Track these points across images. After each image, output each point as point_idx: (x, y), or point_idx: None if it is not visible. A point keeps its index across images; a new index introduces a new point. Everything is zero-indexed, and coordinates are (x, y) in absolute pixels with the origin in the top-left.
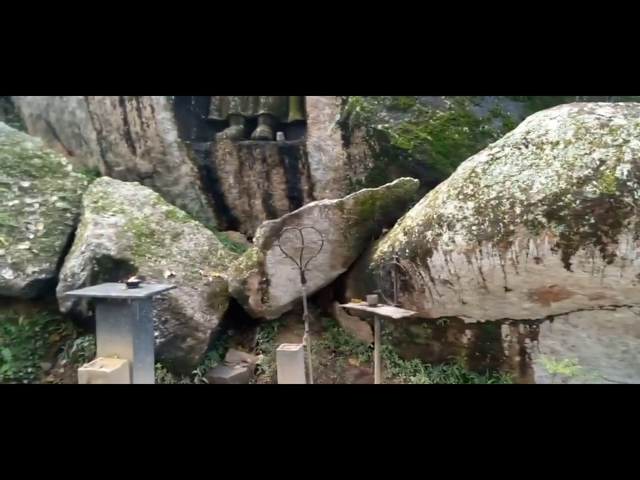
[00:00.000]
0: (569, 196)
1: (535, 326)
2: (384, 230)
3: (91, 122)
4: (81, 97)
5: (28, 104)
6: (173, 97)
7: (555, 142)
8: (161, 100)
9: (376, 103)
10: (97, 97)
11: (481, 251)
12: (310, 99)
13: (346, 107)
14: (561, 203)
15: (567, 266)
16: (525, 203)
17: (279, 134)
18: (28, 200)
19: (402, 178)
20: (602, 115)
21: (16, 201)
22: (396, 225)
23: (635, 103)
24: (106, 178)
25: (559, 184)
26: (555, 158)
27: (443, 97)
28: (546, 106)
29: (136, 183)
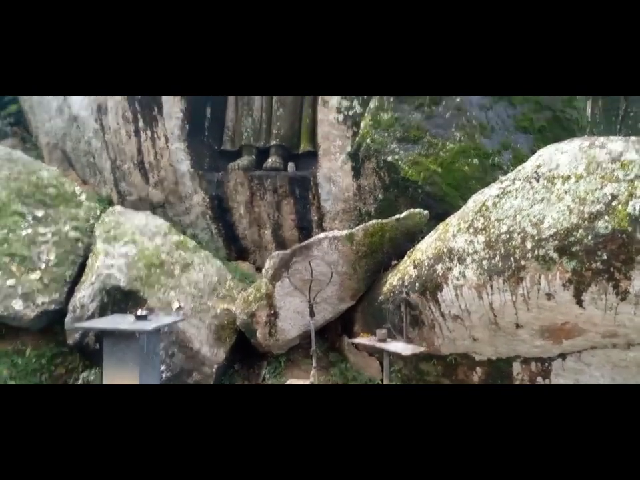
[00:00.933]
0: (580, 231)
1: (547, 364)
2: (394, 262)
3: (105, 151)
4: (97, 127)
5: (46, 133)
6: (187, 127)
7: (566, 176)
8: (175, 130)
9: (386, 134)
10: (112, 127)
11: (491, 286)
12: (321, 131)
13: (356, 139)
14: (572, 239)
15: (579, 302)
16: (536, 238)
17: (290, 165)
18: (41, 229)
19: (412, 210)
20: (613, 150)
21: (29, 230)
22: (406, 258)
23: None
24: (118, 207)
25: (570, 219)
26: (566, 192)
27: (453, 129)
28: (556, 139)
29: (148, 212)
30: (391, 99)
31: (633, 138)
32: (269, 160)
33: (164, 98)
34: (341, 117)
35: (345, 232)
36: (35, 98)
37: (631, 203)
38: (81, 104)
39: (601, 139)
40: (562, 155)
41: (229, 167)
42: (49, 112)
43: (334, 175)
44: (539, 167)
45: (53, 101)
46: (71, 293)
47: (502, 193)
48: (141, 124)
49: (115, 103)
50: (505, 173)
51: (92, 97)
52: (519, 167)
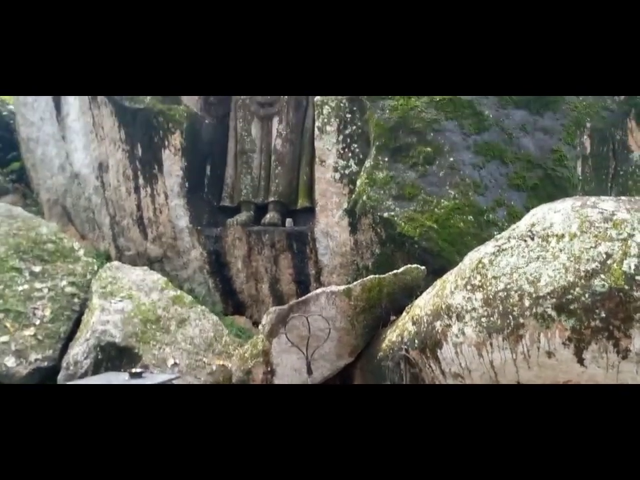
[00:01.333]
0: (577, 289)
1: None
2: (392, 318)
3: (105, 207)
4: (98, 183)
5: (47, 190)
6: (187, 184)
7: (560, 235)
8: (175, 187)
9: (382, 192)
10: (113, 184)
11: (491, 343)
12: (319, 188)
13: (353, 196)
14: (570, 297)
15: (580, 361)
16: (534, 296)
17: (288, 220)
18: (37, 285)
19: (409, 265)
20: (605, 209)
21: (26, 286)
22: (404, 314)
23: (637, 198)
24: (116, 263)
25: (566, 277)
26: (561, 251)
27: (447, 187)
28: (549, 196)
29: (145, 267)
30: (386, 158)
31: (623, 198)
32: (267, 216)
33: (164, 156)
34: (337, 175)
35: (342, 287)
36: (38, 156)
37: (625, 262)
38: (82, 162)
39: (593, 198)
40: (555, 214)
41: (227, 222)
42: (51, 169)
43: (331, 230)
44: (533, 225)
45: (55, 159)
46: (65, 349)
47: (498, 250)
48: (141, 181)
49: (116, 161)
50: (500, 229)
51: (93, 155)
52: (514, 226)
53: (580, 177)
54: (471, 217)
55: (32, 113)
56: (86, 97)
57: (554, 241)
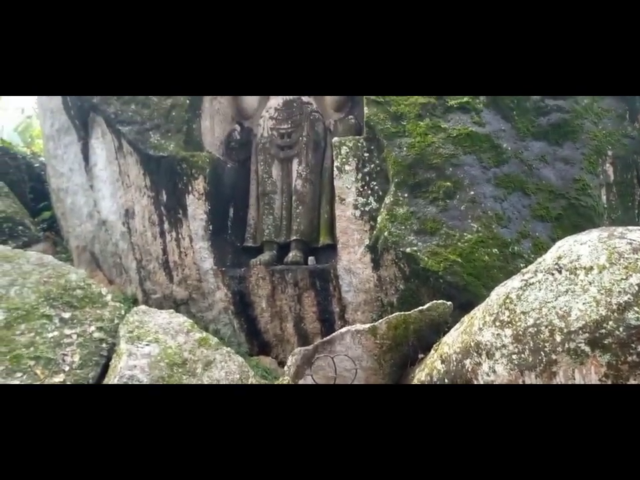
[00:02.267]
0: (610, 323)
1: None
2: (420, 356)
3: (132, 252)
4: (124, 229)
5: (76, 237)
6: (211, 227)
7: (588, 267)
8: (199, 231)
9: (403, 227)
10: (139, 229)
11: (523, 381)
12: (339, 226)
13: (374, 232)
14: (603, 331)
15: None
16: (565, 331)
17: (311, 259)
18: (67, 331)
19: (435, 301)
20: (633, 240)
21: (56, 333)
22: (432, 351)
23: None
24: (143, 307)
25: (598, 310)
26: (590, 284)
27: (469, 220)
28: (574, 226)
29: (171, 310)
30: (406, 194)
31: None
32: (290, 254)
33: (188, 201)
34: (358, 213)
35: (367, 325)
36: (67, 205)
37: None
38: (109, 209)
39: (620, 229)
40: (582, 247)
41: (250, 262)
42: (79, 217)
43: (354, 267)
44: (559, 258)
45: (84, 207)
46: None
47: (525, 285)
48: (166, 226)
49: (142, 207)
50: (527, 261)
51: (120, 202)
52: (540, 259)
53: (605, 206)
54: (496, 250)
55: (62, 164)
56: (112, 147)
57: (582, 273)
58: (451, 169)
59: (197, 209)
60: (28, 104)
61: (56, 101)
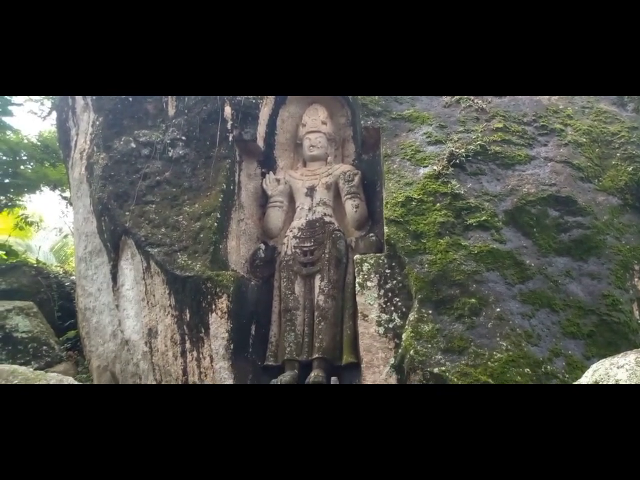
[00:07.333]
0: None
1: None
2: None
3: (152, 373)
4: (146, 349)
5: (98, 356)
6: (232, 346)
7: None
8: (220, 350)
9: (429, 346)
10: (160, 349)
11: None
12: (363, 344)
13: (399, 351)
14: None
15: None
16: None
17: (333, 379)
18: None
19: None
20: None
21: None
22: None
23: None
24: None
25: None
26: None
27: (498, 338)
28: (608, 343)
29: None
30: (430, 310)
31: None
32: (312, 374)
33: (211, 319)
34: (381, 330)
35: None
36: (92, 324)
37: None
38: (133, 328)
39: None
40: (619, 370)
41: (271, 383)
42: (103, 337)
43: None
44: (596, 382)
45: (109, 326)
46: None
47: None
48: (187, 345)
49: (165, 327)
50: (561, 381)
51: (144, 322)
52: (575, 383)
53: (639, 321)
54: (528, 370)
55: (91, 284)
56: (140, 267)
57: None
58: (474, 285)
59: (219, 327)
60: (65, 225)
61: (91, 226)
